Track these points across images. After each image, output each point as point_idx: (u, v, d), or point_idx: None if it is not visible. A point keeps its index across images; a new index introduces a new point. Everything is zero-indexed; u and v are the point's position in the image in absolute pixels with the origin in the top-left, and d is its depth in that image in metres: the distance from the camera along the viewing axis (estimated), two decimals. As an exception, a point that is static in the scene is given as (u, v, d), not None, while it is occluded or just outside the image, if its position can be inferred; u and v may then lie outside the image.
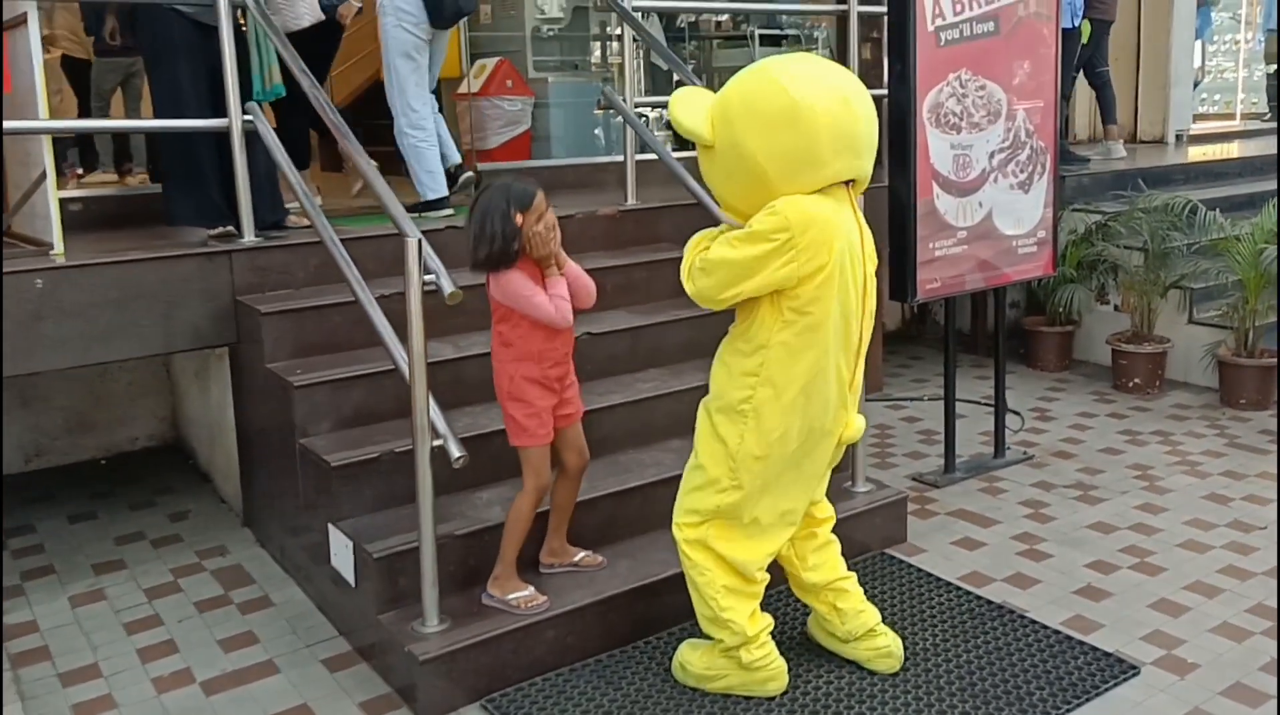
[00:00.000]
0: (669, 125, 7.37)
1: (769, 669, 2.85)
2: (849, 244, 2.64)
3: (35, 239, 4.00)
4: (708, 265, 2.67)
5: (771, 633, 2.90)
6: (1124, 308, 5.82)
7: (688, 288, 2.77)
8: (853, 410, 2.84)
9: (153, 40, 4.08)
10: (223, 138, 3.97)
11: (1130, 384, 5.60)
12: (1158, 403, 5.42)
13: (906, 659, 3.03)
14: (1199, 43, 11.92)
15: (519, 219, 2.84)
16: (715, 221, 2.90)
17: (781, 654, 2.90)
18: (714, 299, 2.70)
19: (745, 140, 2.58)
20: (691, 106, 2.66)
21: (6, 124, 4.11)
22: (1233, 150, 8.39)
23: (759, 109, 2.56)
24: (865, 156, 2.67)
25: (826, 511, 3.03)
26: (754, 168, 2.59)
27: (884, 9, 4.25)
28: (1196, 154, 8.02)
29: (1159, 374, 5.60)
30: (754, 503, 2.77)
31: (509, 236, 2.82)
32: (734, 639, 2.81)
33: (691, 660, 2.91)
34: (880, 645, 2.98)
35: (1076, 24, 6.86)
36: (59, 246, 3.76)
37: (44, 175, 3.80)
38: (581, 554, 3.27)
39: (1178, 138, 8.65)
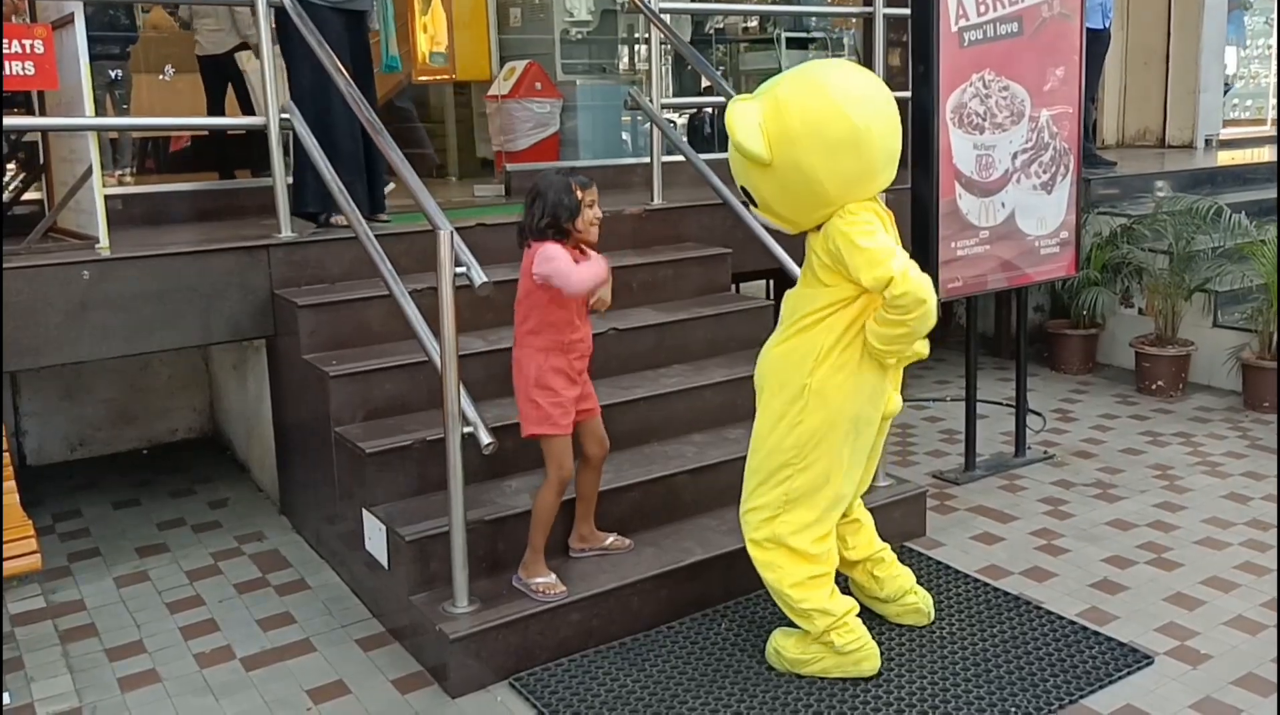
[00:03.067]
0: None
1: (862, 650, 2.95)
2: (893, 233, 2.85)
3: (81, 233, 4.15)
4: (881, 271, 2.68)
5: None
6: (1148, 311, 5.85)
7: (908, 300, 2.69)
8: (895, 388, 2.98)
9: (293, 33, 4.13)
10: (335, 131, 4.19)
11: (1153, 387, 5.62)
12: (1180, 405, 5.45)
13: (923, 646, 3.11)
14: (1232, 48, 11.88)
15: (579, 194, 2.98)
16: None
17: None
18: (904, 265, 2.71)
19: (807, 161, 2.70)
20: (749, 127, 2.72)
21: (54, 121, 4.28)
22: (1263, 155, 8.37)
23: (823, 134, 2.69)
24: (896, 164, 2.86)
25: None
26: (815, 186, 2.73)
27: (909, 11, 4.32)
28: (1225, 159, 8.01)
29: (1182, 377, 5.62)
30: (819, 484, 2.89)
31: (571, 208, 2.97)
32: (822, 623, 2.91)
33: (786, 646, 3.00)
34: (910, 602, 3.20)
35: (1107, 24, 6.88)
36: (104, 240, 3.89)
37: (89, 171, 3.94)
38: (610, 538, 3.37)
39: (1207, 142, 8.64)
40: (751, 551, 2.99)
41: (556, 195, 2.98)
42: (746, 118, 2.74)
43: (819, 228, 2.84)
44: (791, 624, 3.02)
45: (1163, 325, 5.69)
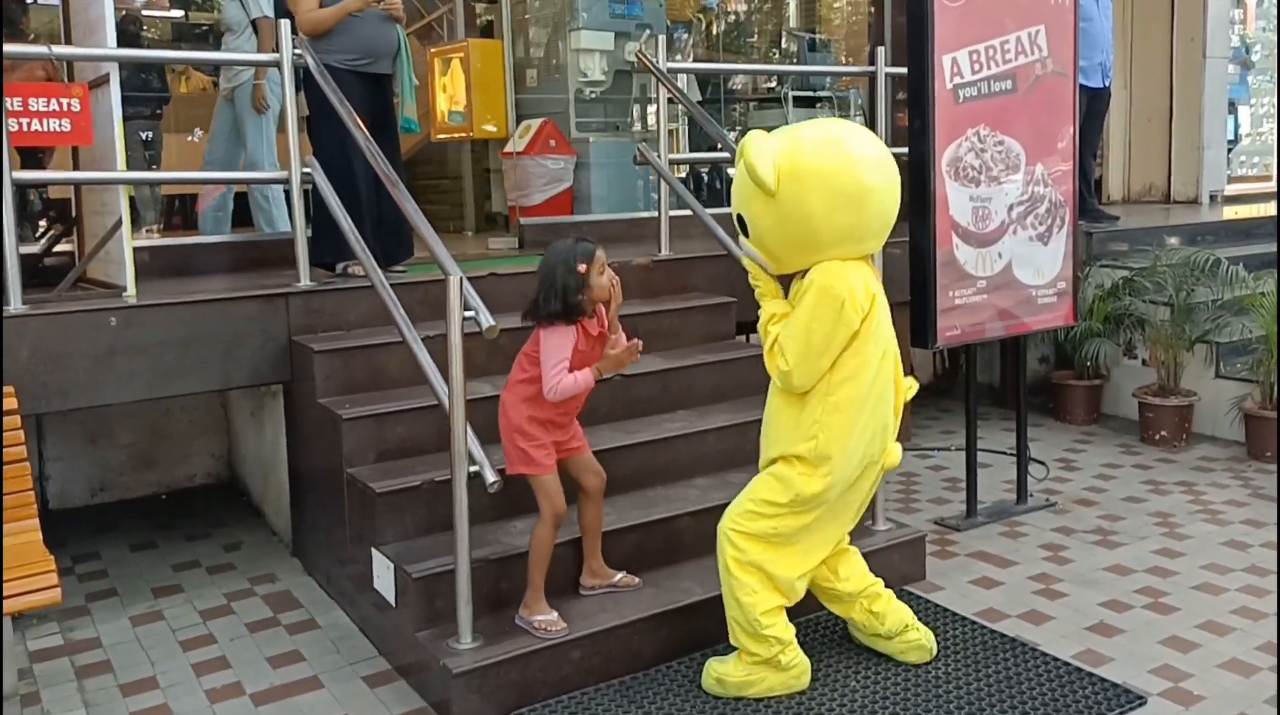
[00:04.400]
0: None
1: (799, 665, 3.11)
2: (878, 291, 2.97)
3: (109, 283, 4.31)
4: (790, 357, 2.92)
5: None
6: (1151, 362, 5.92)
7: (780, 377, 2.99)
8: (892, 437, 3.09)
9: (319, 96, 4.31)
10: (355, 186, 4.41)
11: (1157, 437, 5.67)
12: (1184, 455, 5.49)
13: (919, 685, 3.16)
14: (1245, 107, 12.05)
15: (583, 269, 3.09)
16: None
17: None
18: (810, 379, 2.94)
19: (809, 203, 2.85)
20: (762, 153, 2.88)
21: (88, 174, 4.47)
22: (1266, 210, 8.46)
23: (832, 182, 2.84)
24: (886, 236, 3.04)
25: None
26: (809, 229, 2.88)
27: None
28: (1229, 214, 8.11)
29: (1186, 427, 5.67)
30: (810, 530, 3.03)
31: (578, 284, 3.09)
32: (776, 647, 3.03)
33: (729, 673, 3.10)
34: (912, 639, 3.26)
35: (1107, 84, 7.04)
36: (131, 289, 4.05)
37: (119, 223, 4.11)
38: (619, 575, 3.45)
39: (1211, 198, 8.75)
40: (732, 568, 3.04)
41: (562, 278, 3.09)
42: (763, 145, 2.90)
43: (802, 275, 2.95)
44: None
45: (1165, 376, 5.76)
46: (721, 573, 3.10)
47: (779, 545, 3.03)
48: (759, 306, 3.10)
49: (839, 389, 2.93)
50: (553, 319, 3.13)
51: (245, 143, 5.94)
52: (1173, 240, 6.68)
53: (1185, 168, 8.79)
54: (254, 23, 5.93)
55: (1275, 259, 6.23)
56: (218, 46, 6.08)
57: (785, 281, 3.09)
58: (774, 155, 2.88)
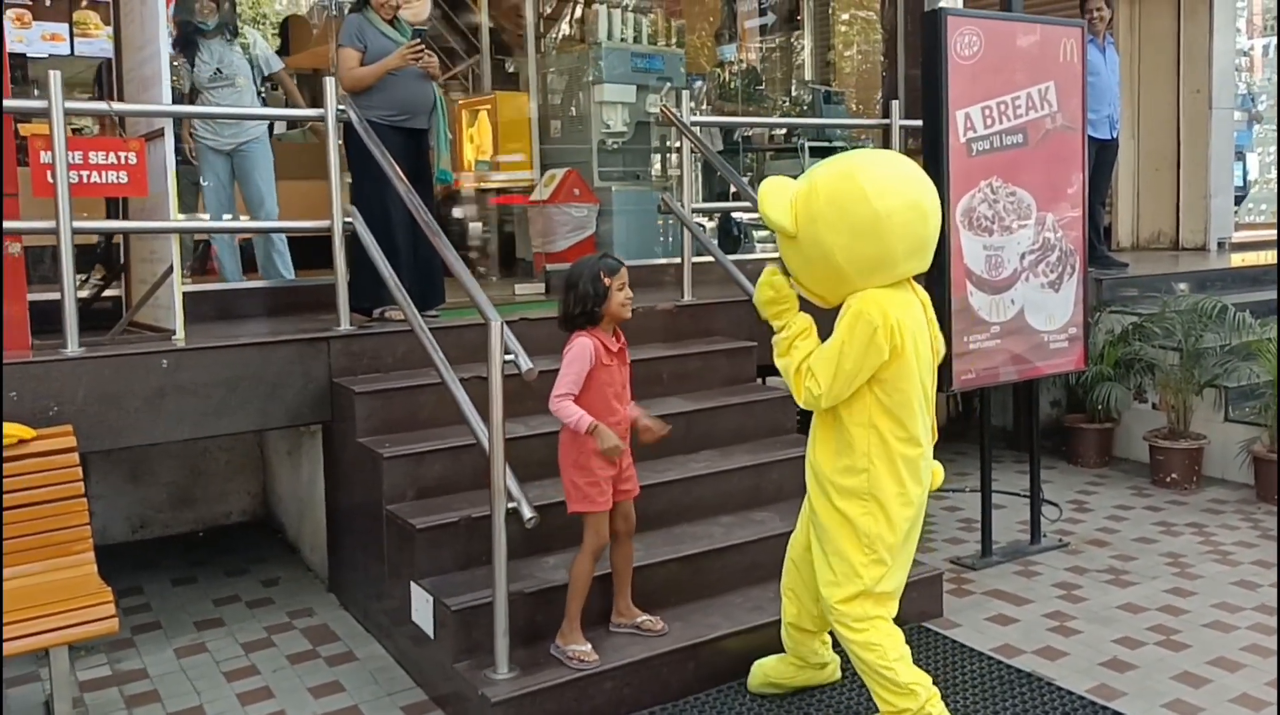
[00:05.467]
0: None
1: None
2: (915, 322, 2.98)
3: (157, 327, 4.51)
4: (821, 380, 2.96)
5: None
6: (1161, 406, 6.05)
7: (806, 400, 3.02)
8: (930, 460, 3.14)
9: (360, 149, 4.53)
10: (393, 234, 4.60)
11: (1168, 479, 5.79)
12: (1194, 497, 5.61)
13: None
14: (1255, 155, 12.25)
15: (606, 282, 3.28)
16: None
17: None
18: (835, 401, 2.99)
19: (827, 240, 2.90)
20: (778, 199, 2.97)
21: (140, 224, 4.68)
22: (1274, 257, 8.61)
23: (844, 215, 2.87)
24: (929, 254, 3.02)
25: None
26: (833, 264, 2.93)
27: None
28: (1237, 261, 8.26)
29: (1196, 470, 5.79)
30: (892, 572, 3.05)
31: (599, 294, 3.27)
32: (924, 696, 2.96)
33: None
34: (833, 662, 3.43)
35: (1115, 135, 7.24)
36: (180, 332, 4.24)
37: (170, 270, 4.31)
38: (643, 617, 3.57)
39: (1219, 245, 8.92)
40: (850, 639, 3.03)
41: (585, 285, 3.30)
42: (778, 191, 2.98)
43: None
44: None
45: (1175, 419, 5.89)
46: (849, 652, 3.08)
47: (877, 599, 3.04)
48: (774, 331, 3.11)
49: (881, 419, 2.97)
50: (577, 324, 3.32)
51: (259, 194, 5.88)
52: (1181, 287, 6.83)
53: (1193, 215, 8.97)
54: (269, 78, 6.12)
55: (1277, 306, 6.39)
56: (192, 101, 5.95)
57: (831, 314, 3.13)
58: (792, 198, 2.96)
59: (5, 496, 3.44)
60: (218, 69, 5.70)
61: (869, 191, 2.85)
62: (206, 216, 6.32)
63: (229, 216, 5.95)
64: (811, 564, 3.20)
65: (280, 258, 5.90)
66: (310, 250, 6.24)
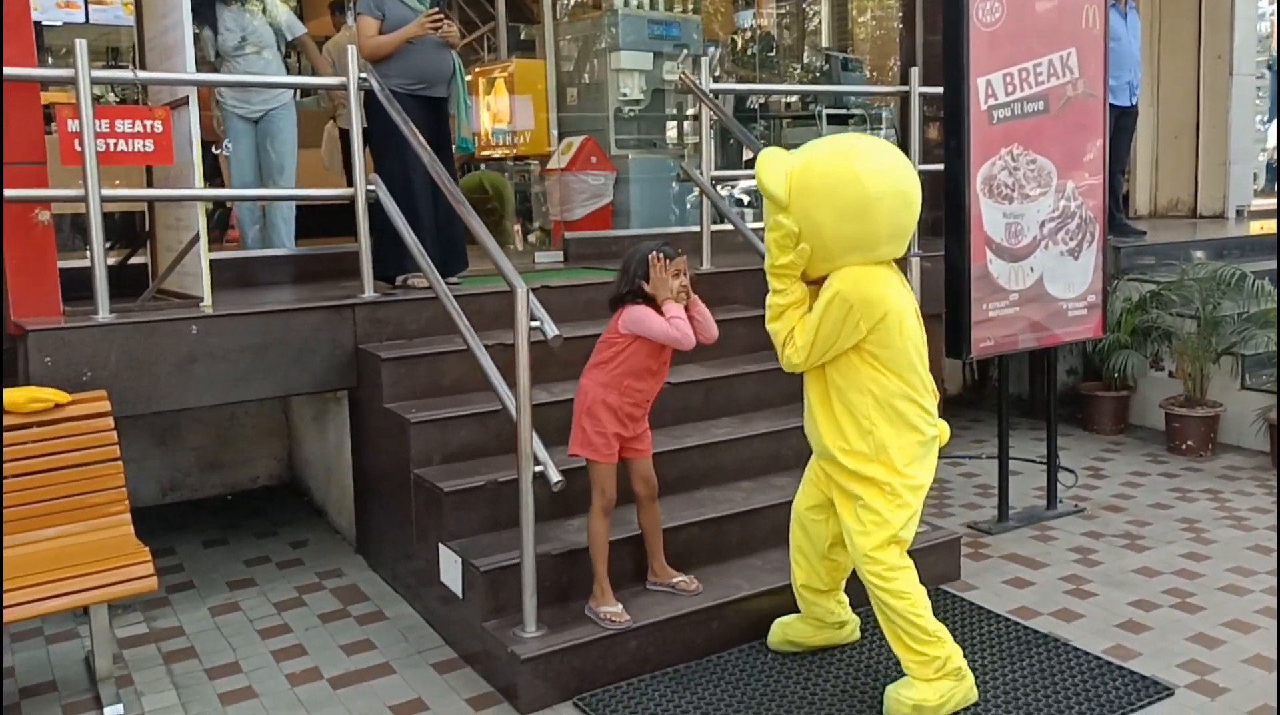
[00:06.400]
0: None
1: (969, 673, 3.16)
2: (895, 293, 3.10)
3: (183, 293, 4.57)
4: (800, 349, 3.11)
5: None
6: (1177, 374, 6.07)
7: (787, 365, 3.19)
8: (935, 414, 3.23)
9: (382, 117, 4.56)
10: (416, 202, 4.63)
11: (1183, 446, 5.82)
12: (1209, 464, 5.65)
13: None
14: (1273, 122, 12.13)
15: (658, 263, 3.35)
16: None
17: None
18: (812, 367, 3.15)
19: (817, 216, 3.02)
20: (775, 170, 3.06)
21: (169, 192, 4.72)
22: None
23: (837, 195, 2.99)
24: (906, 241, 3.16)
25: None
26: (819, 238, 3.05)
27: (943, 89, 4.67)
28: (1256, 228, 8.24)
29: (1211, 437, 5.82)
30: (915, 516, 3.15)
31: (644, 275, 3.36)
32: (945, 647, 3.08)
33: (922, 696, 3.06)
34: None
35: (1134, 102, 7.21)
36: (208, 299, 4.30)
37: (196, 238, 4.36)
38: (679, 578, 3.64)
39: (1238, 213, 8.89)
40: (881, 588, 3.08)
41: (635, 267, 3.38)
42: (776, 162, 3.08)
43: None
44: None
45: (1191, 387, 5.91)
46: (877, 604, 3.13)
47: (903, 548, 3.14)
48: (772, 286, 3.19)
49: (875, 381, 3.07)
50: (622, 302, 3.39)
51: (281, 161, 5.93)
52: (1199, 254, 6.83)
53: (1212, 183, 8.94)
54: (291, 44, 6.13)
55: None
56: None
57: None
58: (788, 170, 3.05)
59: (43, 459, 3.53)
60: (243, 37, 5.73)
61: (863, 176, 2.97)
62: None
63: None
64: (818, 523, 3.34)
65: (286, 226, 5.95)
66: (310, 219, 6.29)
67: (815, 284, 3.18)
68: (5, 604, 3.05)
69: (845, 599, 3.53)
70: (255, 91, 5.79)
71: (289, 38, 6.09)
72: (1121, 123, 6.92)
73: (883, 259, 3.11)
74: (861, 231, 3.00)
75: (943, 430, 3.26)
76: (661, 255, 3.36)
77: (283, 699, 3.38)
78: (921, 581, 3.51)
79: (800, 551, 3.42)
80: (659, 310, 3.37)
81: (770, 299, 3.19)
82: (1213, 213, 8.92)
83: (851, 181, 2.97)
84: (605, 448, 3.41)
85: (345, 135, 6.55)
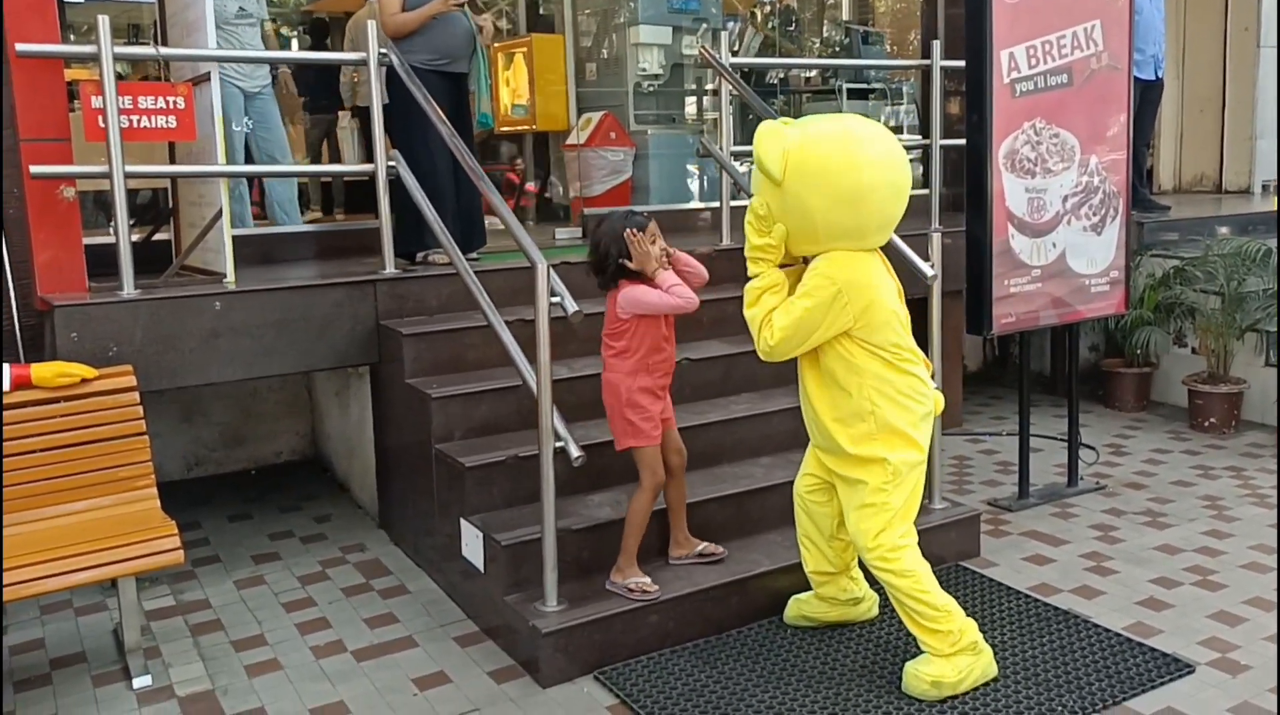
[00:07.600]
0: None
1: (986, 648, 3.18)
2: (879, 277, 3.10)
3: (207, 269, 4.60)
4: (776, 332, 3.09)
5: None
6: (1200, 350, 6.03)
7: (763, 350, 3.17)
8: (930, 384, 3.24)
9: (403, 93, 4.55)
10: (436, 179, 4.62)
11: (1206, 423, 5.79)
12: (1232, 441, 5.61)
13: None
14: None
15: (629, 235, 3.33)
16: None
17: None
18: (787, 355, 3.15)
19: (809, 197, 2.99)
20: (774, 146, 3.02)
21: (192, 168, 4.74)
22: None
23: (832, 180, 2.96)
24: (891, 231, 3.15)
25: None
26: (808, 220, 3.03)
27: (964, 63, 4.62)
28: (1282, 203, 8.14)
29: (1235, 414, 5.78)
30: (914, 494, 3.15)
31: (624, 252, 3.34)
32: (956, 621, 3.08)
33: (940, 672, 3.07)
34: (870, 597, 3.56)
35: (1160, 75, 7.12)
36: (231, 275, 4.33)
37: (219, 214, 4.39)
38: (703, 545, 3.67)
39: (1264, 188, 8.78)
40: (885, 569, 3.10)
41: (607, 246, 3.37)
42: (775, 137, 3.02)
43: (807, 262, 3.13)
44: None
45: (1215, 364, 5.87)
46: (885, 586, 3.14)
47: (907, 527, 3.14)
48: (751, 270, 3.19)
49: (868, 361, 3.07)
50: (614, 283, 3.39)
51: (279, 137, 5.88)
52: (1224, 230, 6.76)
53: (1238, 158, 8.83)
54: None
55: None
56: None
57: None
58: (786, 148, 3.00)
59: (70, 433, 3.57)
60: (241, 6, 5.70)
61: (862, 165, 2.95)
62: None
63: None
64: (820, 505, 3.37)
65: (290, 204, 5.94)
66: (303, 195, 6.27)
67: (788, 267, 3.18)
68: (34, 576, 3.10)
69: (859, 574, 3.54)
70: (256, 64, 5.79)
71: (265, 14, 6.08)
72: (1147, 96, 6.82)
73: (869, 247, 3.10)
74: (852, 220, 2.99)
75: (937, 401, 3.26)
76: (634, 229, 3.34)
77: (307, 671, 3.43)
78: (941, 559, 3.55)
79: (807, 537, 3.45)
80: (649, 283, 3.36)
81: (748, 285, 3.18)
82: (1238, 188, 8.81)
83: (850, 169, 2.95)
84: (653, 431, 3.43)
85: (365, 112, 6.59)
